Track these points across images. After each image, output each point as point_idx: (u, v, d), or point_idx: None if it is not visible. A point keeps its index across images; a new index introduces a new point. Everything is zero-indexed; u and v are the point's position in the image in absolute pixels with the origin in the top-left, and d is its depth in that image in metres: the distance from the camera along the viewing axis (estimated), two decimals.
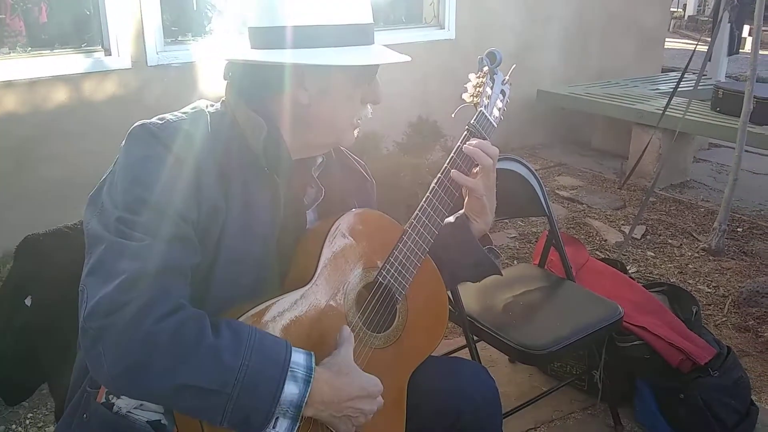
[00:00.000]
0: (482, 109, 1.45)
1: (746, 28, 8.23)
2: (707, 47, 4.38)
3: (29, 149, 3.59)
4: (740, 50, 6.69)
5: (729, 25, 5.50)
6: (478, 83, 1.47)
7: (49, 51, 3.71)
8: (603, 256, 3.53)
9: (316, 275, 1.22)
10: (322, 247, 1.24)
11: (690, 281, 3.47)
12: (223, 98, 1.28)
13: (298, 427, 1.10)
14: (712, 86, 5.02)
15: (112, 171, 1.16)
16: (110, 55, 3.80)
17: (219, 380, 1.03)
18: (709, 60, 4.41)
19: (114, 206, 1.10)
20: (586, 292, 2.30)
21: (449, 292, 2.04)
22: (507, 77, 1.53)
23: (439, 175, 1.40)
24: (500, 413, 1.49)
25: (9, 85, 3.49)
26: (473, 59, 1.50)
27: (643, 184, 4.75)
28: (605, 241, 3.96)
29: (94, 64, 3.76)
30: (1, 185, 3.54)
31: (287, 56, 1.20)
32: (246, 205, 1.19)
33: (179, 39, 4.13)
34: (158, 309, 1.03)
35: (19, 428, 2.35)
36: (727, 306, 3.22)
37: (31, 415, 2.40)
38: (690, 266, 3.64)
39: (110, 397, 1.18)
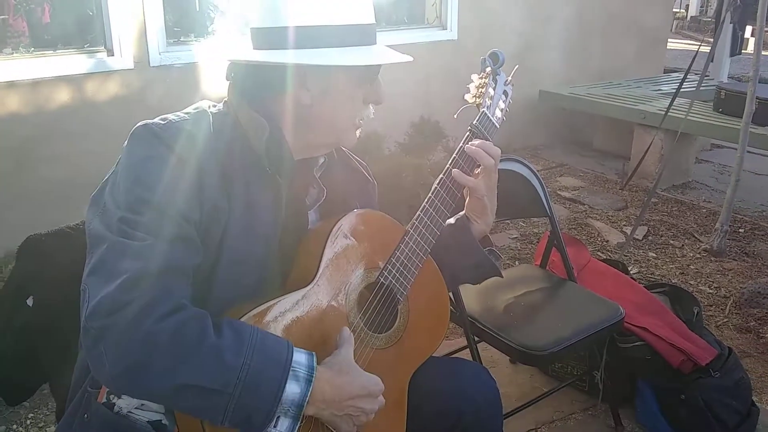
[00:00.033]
0: (485, 109, 1.45)
1: (749, 29, 8.23)
2: (710, 48, 4.38)
3: (31, 149, 3.60)
4: (743, 51, 6.68)
5: (731, 25, 5.49)
6: (480, 84, 1.48)
7: (51, 51, 3.71)
8: (604, 257, 3.52)
9: (318, 276, 1.22)
10: (324, 248, 1.24)
11: (691, 282, 3.47)
12: (226, 99, 1.29)
13: (299, 427, 1.10)
14: (714, 87, 5.01)
15: (114, 171, 1.16)
16: (113, 55, 3.80)
17: (221, 380, 1.04)
18: (712, 61, 4.40)
19: (116, 206, 1.11)
20: (587, 293, 2.30)
21: (450, 293, 2.04)
22: (509, 78, 1.53)
23: (441, 175, 1.41)
24: (501, 414, 1.49)
25: (12, 85, 3.50)
26: (475, 60, 1.50)
27: (645, 185, 4.75)
28: (607, 241, 3.96)
29: (96, 65, 3.76)
30: (3, 185, 3.54)
31: (289, 57, 1.20)
32: (248, 206, 1.19)
33: (182, 39, 4.13)
34: (159, 309, 1.03)
35: (20, 428, 2.35)
36: (728, 307, 3.22)
37: (32, 415, 2.41)
38: (691, 267, 3.64)
39: (111, 397, 1.18)
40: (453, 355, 2.38)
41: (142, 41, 3.86)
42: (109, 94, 3.82)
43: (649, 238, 4.01)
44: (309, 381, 1.09)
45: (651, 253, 3.80)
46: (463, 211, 1.48)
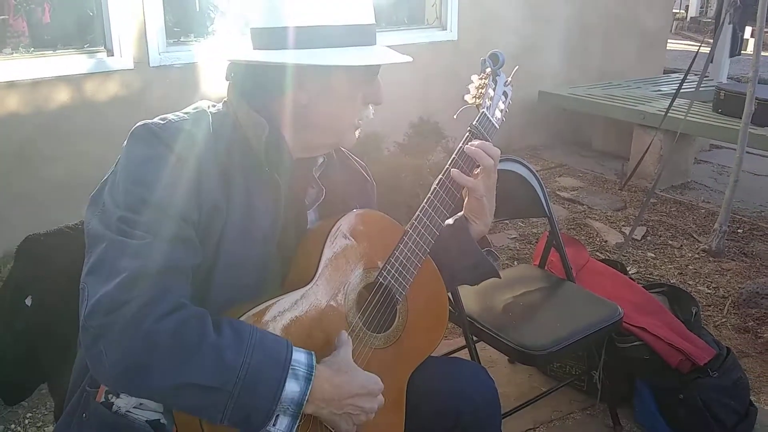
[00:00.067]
0: (484, 110, 1.45)
1: (748, 30, 8.23)
2: (709, 49, 4.38)
3: (31, 149, 3.60)
4: (742, 52, 6.69)
5: (731, 26, 5.50)
6: (480, 85, 1.48)
7: (51, 51, 3.72)
8: (603, 257, 3.52)
9: (317, 275, 1.23)
10: (323, 248, 1.25)
11: (690, 282, 3.47)
12: (225, 99, 1.29)
13: (298, 425, 1.10)
14: (713, 87, 5.01)
15: (113, 171, 1.16)
16: (113, 55, 3.80)
17: (220, 378, 1.04)
18: (711, 61, 4.41)
19: (115, 206, 1.11)
20: (586, 293, 2.31)
21: (449, 293, 2.05)
22: (509, 79, 1.53)
23: (440, 175, 1.41)
24: (499, 414, 1.50)
25: (11, 85, 3.50)
26: (475, 60, 1.51)
27: (644, 185, 4.76)
28: (605, 242, 3.96)
29: (96, 65, 3.77)
30: (3, 185, 3.54)
31: (289, 56, 1.20)
32: (247, 206, 1.20)
33: (182, 40, 4.14)
34: (159, 308, 1.03)
35: (19, 428, 2.35)
36: (726, 307, 3.22)
37: (30, 414, 2.41)
38: (690, 267, 3.64)
39: (109, 396, 1.18)
40: (451, 355, 2.38)
41: (142, 41, 3.86)
42: (109, 95, 3.83)
43: (648, 238, 4.02)
44: (308, 379, 1.10)
45: (650, 254, 3.80)
46: (462, 212, 1.48)
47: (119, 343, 1.01)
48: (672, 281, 3.43)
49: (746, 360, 2.79)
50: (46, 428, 2.35)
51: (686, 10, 18.07)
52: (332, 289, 1.25)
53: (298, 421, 1.10)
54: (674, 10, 12.09)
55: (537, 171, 2.41)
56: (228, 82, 1.30)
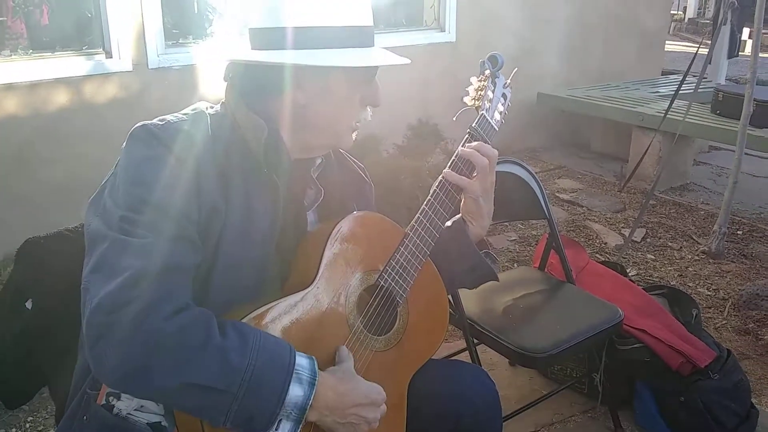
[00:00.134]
0: (484, 112, 1.45)
1: (746, 31, 8.24)
2: (708, 50, 4.39)
3: (30, 152, 3.60)
4: (740, 53, 6.70)
5: (729, 27, 5.50)
6: (479, 87, 1.47)
7: (50, 53, 3.71)
8: (603, 259, 3.53)
9: (317, 278, 1.22)
10: (324, 250, 1.24)
11: (690, 284, 3.47)
12: (223, 100, 1.29)
13: None
14: (712, 89, 5.02)
15: (113, 173, 1.16)
16: (111, 57, 3.80)
17: (225, 380, 1.04)
18: (710, 63, 4.41)
19: (116, 206, 1.11)
20: (586, 295, 2.31)
21: (449, 295, 2.05)
22: (508, 81, 1.53)
23: (439, 177, 1.41)
24: (500, 416, 1.49)
25: (10, 87, 3.50)
26: (473, 62, 1.50)
27: (643, 187, 4.76)
28: (605, 243, 3.96)
29: (95, 67, 3.76)
30: (2, 188, 3.54)
31: (287, 57, 1.20)
32: (246, 208, 1.19)
33: (180, 41, 4.14)
34: (164, 307, 1.03)
35: None
36: (727, 309, 3.22)
37: (31, 418, 2.40)
38: (690, 269, 3.64)
39: (110, 398, 1.18)
40: (452, 358, 2.38)
41: (140, 43, 3.86)
42: (108, 96, 3.82)
43: (648, 240, 4.02)
44: (312, 384, 1.09)
45: (649, 255, 3.80)
46: (460, 214, 1.47)
47: (123, 343, 1.01)
48: (672, 283, 3.43)
49: (747, 362, 2.78)
50: None
51: (684, 12, 18.09)
52: (333, 292, 1.25)
53: (300, 426, 1.10)
54: (672, 12, 12.10)
55: (536, 173, 2.41)
56: (226, 83, 1.29)
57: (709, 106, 4.84)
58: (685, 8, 18.29)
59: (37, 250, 1.40)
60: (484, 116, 1.45)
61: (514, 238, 4.00)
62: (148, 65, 3.91)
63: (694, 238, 4.04)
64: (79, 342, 1.24)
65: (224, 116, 1.25)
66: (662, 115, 4.51)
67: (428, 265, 1.40)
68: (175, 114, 1.22)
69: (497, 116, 1.49)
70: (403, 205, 3.14)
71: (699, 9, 18.48)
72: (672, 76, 6.61)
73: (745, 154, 3.86)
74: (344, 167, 1.46)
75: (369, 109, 1.33)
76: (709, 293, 3.38)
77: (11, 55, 3.63)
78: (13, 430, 2.35)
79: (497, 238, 3.96)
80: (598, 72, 6.14)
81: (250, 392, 1.05)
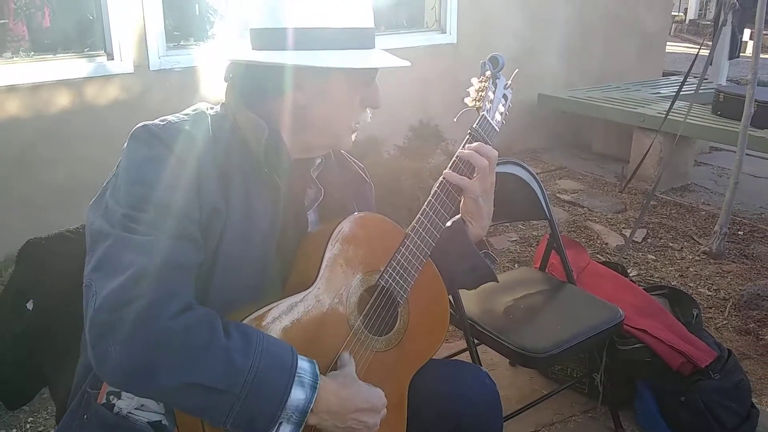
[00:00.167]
0: (484, 113, 1.45)
1: (747, 32, 8.24)
2: (709, 51, 4.39)
3: (31, 153, 3.60)
4: (741, 54, 6.70)
5: (730, 28, 5.50)
6: (480, 87, 1.48)
7: (51, 55, 3.72)
8: (604, 260, 3.52)
9: (318, 279, 1.22)
10: (324, 251, 1.25)
11: (691, 284, 3.47)
12: (223, 101, 1.29)
13: None
14: (713, 90, 5.02)
15: (115, 174, 1.17)
16: (113, 59, 3.81)
17: (228, 381, 1.04)
18: (710, 64, 4.41)
19: (118, 205, 1.11)
20: (586, 296, 2.31)
21: (450, 295, 2.05)
22: (509, 82, 1.53)
23: (440, 178, 1.41)
24: (501, 416, 1.49)
25: (12, 89, 3.51)
26: (474, 63, 1.51)
27: (644, 188, 4.76)
28: (606, 244, 3.96)
29: (96, 69, 3.77)
30: (3, 189, 3.54)
31: (287, 57, 1.20)
32: (246, 209, 1.20)
33: (181, 43, 4.14)
34: (169, 306, 1.04)
35: None
36: (727, 309, 3.22)
37: (31, 419, 2.40)
38: (691, 269, 3.64)
39: (111, 397, 1.18)
40: (452, 358, 2.38)
41: (142, 45, 3.87)
42: (109, 98, 3.83)
43: (648, 240, 4.02)
44: (314, 387, 1.10)
45: (650, 256, 3.80)
46: (459, 214, 1.48)
47: (128, 341, 1.01)
48: (673, 283, 3.43)
49: (747, 362, 2.78)
50: None
51: (685, 13, 18.09)
52: (334, 292, 1.25)
53: (301, 430, 1.10)
54: (673, 13, 12.10)
55: (537, 174, 2.41)
56: (226, 84, 1.30)
57: (710, 107, 4.84)
58: (686, 9, 18.29)
59: (38, 251, 1.40)
60: (485, 117, 1.45)
61: (515, 239, 4.01)
62: (149, 67, 3.92)
63: (695, 238, 4.04)
64: (81, 341, 1.24)
65: (224, 117, 1.25)
66: (663, 116, 4.52)
67: (429, 265, 1.40)
68: (176, 114, 1.23)
69: (498, 117, 1.49)
70: (404, 206, 3.14)
71: (700, 10, 18.48)
72: (673, 77, 6.61)
73: (746, 154, 3.86)
74: (344, 167, 1.46)
75: (369, 111, 1.33)
76: (709, 293, 3.38)
77: (13, 57, 3.63)
78: (14, 430, 2.36)
79: (498, 239, 3.96)
80: (598, 73, 6.14)
81: (253, 394, 1.05)
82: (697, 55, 4.41)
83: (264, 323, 1.15)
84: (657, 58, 6.71)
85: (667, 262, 3.73)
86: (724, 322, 3.12)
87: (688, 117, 4.27)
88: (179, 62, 4.02)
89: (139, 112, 3.73)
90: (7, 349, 1.44)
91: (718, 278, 3.54)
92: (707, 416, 2.20)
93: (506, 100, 1.52)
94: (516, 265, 3.65)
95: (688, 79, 4.55)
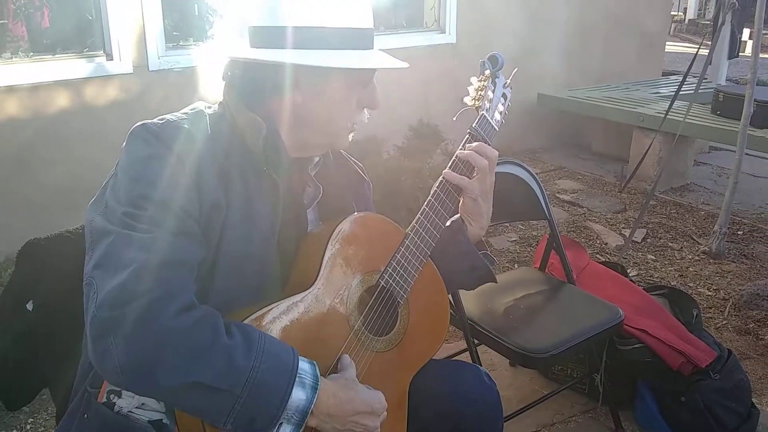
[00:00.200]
0: (484, 112, 1.45)
1: (746, 32, 8.24)
2: (708, 51, 4.39)
3: (30, 154, 3.60)
4: (740, 54, 6.70)
5: (729, 28, 5.50)
6: (479, 87, 1.48)
7: (51, 56, 3.72)
8: (603, 260, 3.52)
9: (318, 279, 1.22)
10: (324, 251, 1.24)
11: (690, 284, 3.47)
12: (221, 100, 1.29)
13: None
14: (712, 89, 5.02)
15: (114, 173, 1.17)
16: (112, 59, 3.81)
17: (230, 381, 1.04)
18: (710, 63, 4.42)
19: (118, 203, 1.11)
20: (586, 296, 2.31)
21: (450, 296, 2.04)
22: (508, 81, 1.53)
23: (440, 178, 1.41)
24: (501, 416, 1.49)
25: (11, 90, 3.51)
26: (474, 63, 1.51)
27: (644, 188, 4.76)
28: (606, 244, 3.96)
29: (95, 69, 3.77)
30: (3, 190, 3.54)
31: (286, 56, 1.20)
32: (246, 208, 1.20)
33: (181, 44, 4.14)
34: (172, 305, 1.03)
35: None
36: (727, 309, 3.22)
37: (31, 420, 2.40)
38: (690, 269, 3.64)
39: (111, 396, 1.18)
40: (453, 358, 2.38)
41: (141, 45, 3.87)
42: (109, 99, 3.83)
43: (648, 240, 4.02)
44: (314, 388, 1.10)
45: (650, 256, 3.80)
46: (459, 214, 1.47)
47: (130, 339, 1.01)
48: (672, 283, 3.43)
49: (747, 362, 2.78)
50: None
51: (684, 13, 18.10)
52: (334, 293, 1.25)
53: (300, 431, 1.10)
54: (672, 12, 12.10)
55: (537, 173, 2.41)
56: (224, 82, 1.30)
57: (710, 106, 4.85)
58: (685, 9, 18.31)
59: (38, 251, 1.40)
60: (485, 116, 1.45)
61: (514, 239, 4.01)
62: (148, 67, 3.92)
63: (695, 238, 4.04)
64: (83, 342, 1.24)
65: (223, 116, 1.25)
66: (663, 115, 4.52)
67: (429, 265, 1.40)
68: (175, 113, 1.23)
69: (497, 116, 1.49)
70: (404, 206, 3.14)
71: (699, 10, 18.49)
72: (672, 77, 6.61)
73: (746, 154, 3.86)
74: (342, 166, 1.46)
75: (366, 112, 1.33)
76: (709, 293, 3.38)
77: (12, 58, 3.63)
78: (14, 431, 2.36)
79: (498, 239, 3.96)
80: (598, 73, 6.15)
81: (254, 394, 1.05)
82: (696, 54, 4.41)
83: (264, 323, 1.15)
84: (656, 58, 6.72)
85: (666, 262, 3.73)
86: (724, 322, 3.12)
87: (688, 117, 4.27)
88: (178, 62, 4.02)
89: (139, 112, 3.71)
90: (7, 349, 1.44)
91: (717, 278, 3.54)
92: (707, 416, 2.20)
93: (506, 99, 1.52)
94: (516, 265, 3.65)
95: (687, 79, 4.55)
